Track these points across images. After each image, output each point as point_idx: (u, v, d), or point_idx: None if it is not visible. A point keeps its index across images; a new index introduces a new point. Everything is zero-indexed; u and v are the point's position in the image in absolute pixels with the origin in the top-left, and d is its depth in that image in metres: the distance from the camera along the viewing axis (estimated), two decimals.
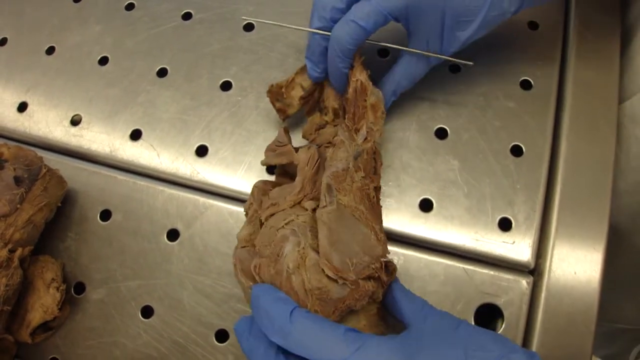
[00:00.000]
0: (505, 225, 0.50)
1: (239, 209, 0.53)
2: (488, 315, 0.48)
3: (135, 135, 0.58)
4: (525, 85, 0.55)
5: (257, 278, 0.41)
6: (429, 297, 0.48)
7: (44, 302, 0.49)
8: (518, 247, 0.49)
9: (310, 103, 0.55)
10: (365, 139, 0.48)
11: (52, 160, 0.57)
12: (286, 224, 0.43)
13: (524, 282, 0.48)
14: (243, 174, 0.54)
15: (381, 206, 0.46)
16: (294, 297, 0.39)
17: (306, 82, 0.53)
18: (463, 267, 0.49)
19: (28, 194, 0.50)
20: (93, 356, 0.51)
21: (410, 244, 0.51)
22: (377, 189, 0.47)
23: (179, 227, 0.53)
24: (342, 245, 0.40)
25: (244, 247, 0.44)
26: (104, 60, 0.63)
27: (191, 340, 0.50)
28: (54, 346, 0.52)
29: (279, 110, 0.54)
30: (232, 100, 0.58)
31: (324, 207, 0.41)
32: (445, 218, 0.51)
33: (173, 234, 0.53)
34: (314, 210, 0.43)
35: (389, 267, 0.42)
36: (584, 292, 0.47)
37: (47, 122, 0.61)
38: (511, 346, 0.36)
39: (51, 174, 0.52)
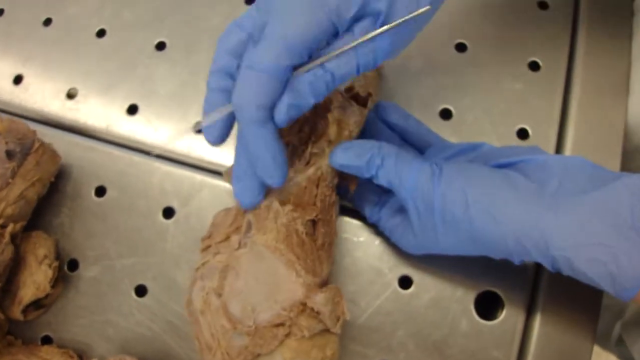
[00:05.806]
0: None
1: None
2: (489, 302, 0.48)
3: (132, 109, 0.57)
4: (534, 66, 0.54)
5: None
6: (429, 283, 0.47)
7: (35, 279, 0.49)
8: None
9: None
10: (307, 163, 0.43)
11: (47, 134, 0.56)
12: (202, 264, 0.42)
13: (527, 270, 0.47)
14: None
15: (326, 240, 0.42)
16: (203, 340, 0.39)
17: None
18: None
19: (20, 168, 0.49)
20: (86, 334, 0.50)
21: None
22: (318, 222, 0.42)
23: (175, 204, 0.53)
24: (246, 291, 0.39)
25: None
26: (101, 33, 0.62)
27: (185, 321, 0.49)
28: (46, 323, 0.51)
29: None
30: None
31: (237, 249, 0.40)
32: None
33: (169, 212, 0.53)
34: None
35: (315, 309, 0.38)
36: None
37: (43, 95, 0.60)
38: None
39: (44, 148, 0.51)
